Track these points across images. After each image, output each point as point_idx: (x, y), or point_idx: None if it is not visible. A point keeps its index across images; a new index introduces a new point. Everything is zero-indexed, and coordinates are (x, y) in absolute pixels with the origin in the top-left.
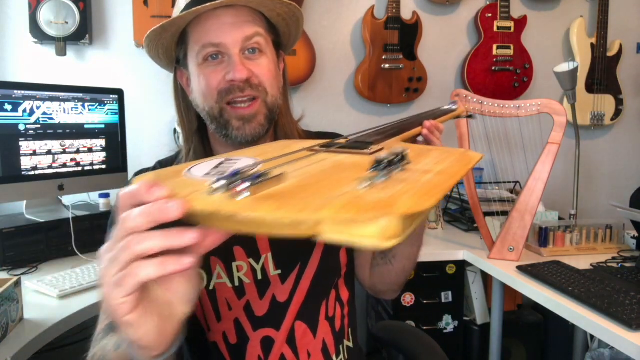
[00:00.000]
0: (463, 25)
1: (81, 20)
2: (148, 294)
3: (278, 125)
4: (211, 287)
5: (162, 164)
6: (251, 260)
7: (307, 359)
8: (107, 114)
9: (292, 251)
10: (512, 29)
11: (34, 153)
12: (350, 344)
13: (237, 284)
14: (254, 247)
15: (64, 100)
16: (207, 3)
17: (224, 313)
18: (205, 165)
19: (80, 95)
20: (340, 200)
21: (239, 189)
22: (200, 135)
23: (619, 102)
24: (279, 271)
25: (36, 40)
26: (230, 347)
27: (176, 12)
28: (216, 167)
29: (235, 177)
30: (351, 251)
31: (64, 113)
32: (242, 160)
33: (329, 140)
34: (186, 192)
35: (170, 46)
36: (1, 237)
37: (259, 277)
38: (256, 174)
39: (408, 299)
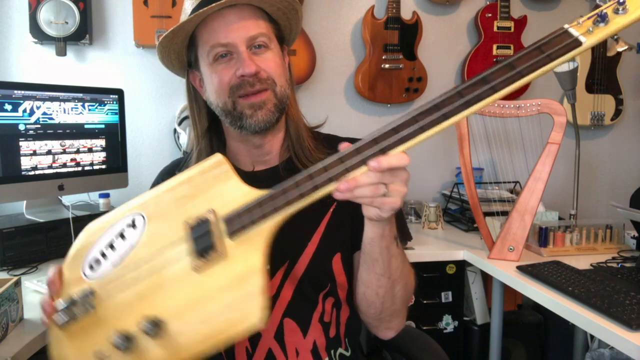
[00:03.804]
0: (463, 25)
1: (81, 20)
2: None
3: (288, 116)
4: None
5: (164, 172)
6: None
7: (295, 357)
8: (107, 114)
9: (282, 248)
10: (512, 29)
11: (34, 153)
12: (347, 353)
13: None
14: None
15: (64, 100)
16: (212, 4)
17: None
18: (104, 241)
19: (80, 95)
20: None
21: (59, 322)
22: (210, 135)
23: (619, 102)
24: (267, 266)
25: (36, 40)
26: None
27: (183, 17)
28: (107, 247)
29: (66, 310)
30: (348, 262)
31: (64, 113)
32: (128, 238)
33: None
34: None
35: (181, 50)
36: (1, 237)
37: None
38: (71, 315)
39: None
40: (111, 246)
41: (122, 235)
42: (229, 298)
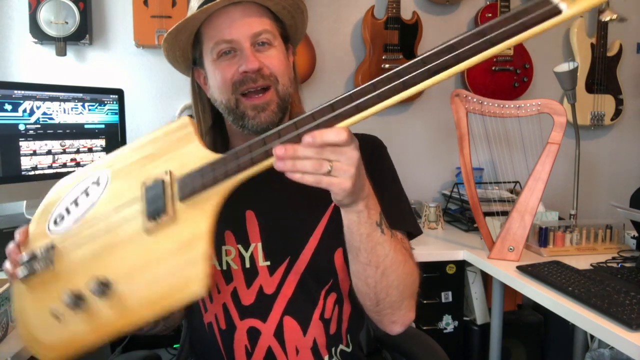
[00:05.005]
0: (463, 25)
1: (81, 20)
2: None
3: (292, 115)
4: None
5: None
6: (240, 247)
7: (295, 355)
8: (107, 114)
9: (283, 244)
10: None
11: (34, 153)
12: (347, 349)
13: (224, 267)
14: (244, 234)
15: (64, 100)
16: (217, 0)
17: (214, 295)
18: (70, 197)
19: (80, 95)
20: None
21: (19, 275)
22: (213, 133)
23: (619, 102)
24: (268, 262)
25: (36, 40)
26: (222, 332)
27: (189, 14)
28: (71, 203)
29: (27, 264)
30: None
31: (64, 113)
32: (91, 195)
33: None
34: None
35: (186, 48)
36: (1, 237)
37: (247, 265)
38: (31, 269)
39: None
40: (76, 202)
41: (86, 192)
42: (174, 263)
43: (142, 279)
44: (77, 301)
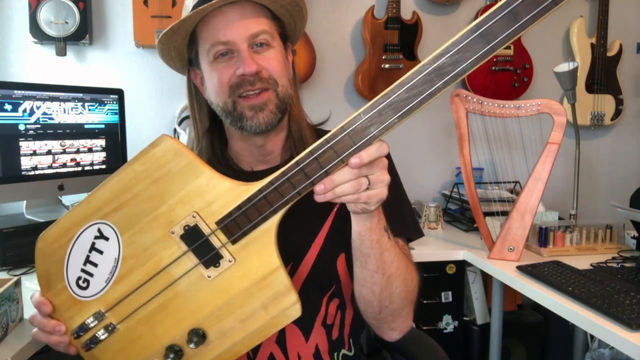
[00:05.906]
0: (463, 25)
1: (81, 20)
2: None
3: (291, 115)
4: None
5: None
6: None
7: None
8: (107, 114)
9: (285, 250)
10: None
11: (34, 153)
12: (350, 353)
13: None
14: None
15: (64, 100)
16: (212, 1)
17: None
18: (78, 258)
19: (80, 95)
20: None
21: (83, 343)
22: (211, 135)
23: (619, 102)
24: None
25: (36, 40)
26: None
27: (184, 13)
28: (84, 263)
29: (80, 335)
30: (352, 262)
31: (64, 113)
32: (106, 251)
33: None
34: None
35: (182, 48)
36: (1, 237)
37: None
38: (93, 338)
39: None
40: (90, 262)
41: (96, 250)
42: (261, 299)
43: (232, 318)
44: (176, 354)
